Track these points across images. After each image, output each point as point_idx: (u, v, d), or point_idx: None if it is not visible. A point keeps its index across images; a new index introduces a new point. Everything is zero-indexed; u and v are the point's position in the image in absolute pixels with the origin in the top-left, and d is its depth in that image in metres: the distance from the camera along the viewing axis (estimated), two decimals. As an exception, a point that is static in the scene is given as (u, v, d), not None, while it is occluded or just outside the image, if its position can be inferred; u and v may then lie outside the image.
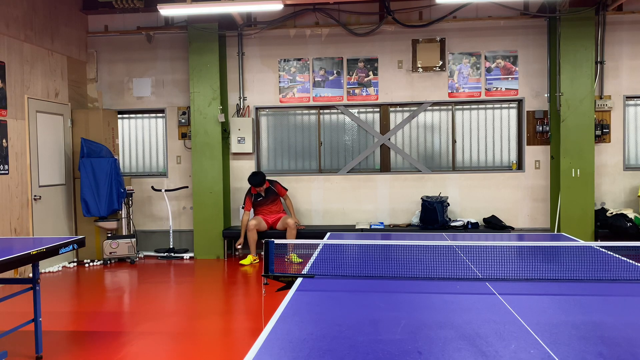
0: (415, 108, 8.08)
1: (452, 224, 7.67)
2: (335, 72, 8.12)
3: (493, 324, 1.89)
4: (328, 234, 4.19)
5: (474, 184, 7.98)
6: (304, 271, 2.76)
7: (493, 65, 7.89)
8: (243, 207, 7.65)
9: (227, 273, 7.15)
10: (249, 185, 8.33)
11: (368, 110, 8.20)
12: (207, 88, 7.89)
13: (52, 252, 3.74)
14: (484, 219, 7.86)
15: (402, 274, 2.66)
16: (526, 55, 7.83)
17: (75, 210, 7.91)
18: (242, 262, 7.51)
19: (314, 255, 3.24)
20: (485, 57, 7.90)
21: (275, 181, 7.76)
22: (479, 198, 7.96)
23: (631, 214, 7.28)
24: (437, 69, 7.93)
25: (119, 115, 8.50)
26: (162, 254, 8.08)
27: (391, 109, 8.15)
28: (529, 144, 7.88)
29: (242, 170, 8.31)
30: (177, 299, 5.92)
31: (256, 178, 7.48)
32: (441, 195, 7.85)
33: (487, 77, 7.90)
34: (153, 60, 8.40)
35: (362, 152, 8.17)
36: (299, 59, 8.16)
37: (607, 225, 7.36)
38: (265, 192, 7.57)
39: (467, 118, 8.05)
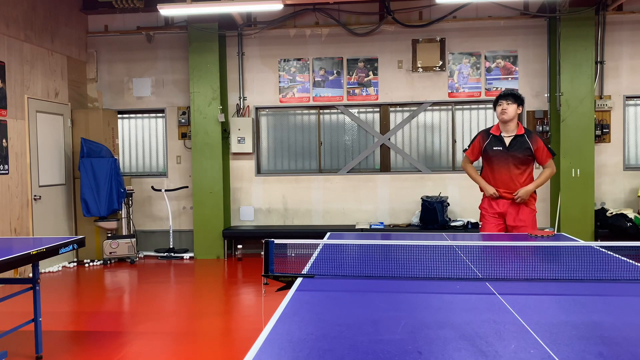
0: (415, 108, 8.08)
1: (452, 223, 7.67)
2: (335, 72, 8.11)
3: (493, 324, 1.89)
4: (328, 234, 4.19)
5: (474, 184, 7.88)
6: (304, 271, 2.76)
7: (493, 65, 7.89)
8: (465, 151, 4.73)
9: (227, 273, 7.15)
10: (249, 185, 8.34)
11: (368, 110, 8.20)
12: (207, 88, 7.89)
13: (52, 252, 3.73)
14: (484, 219, 7.85)
15: (402, 274, 2.66)
16: (526, 55, 7.83)
17: (75, 210, 7.90)
18: None
19: (314, 255, 3.23)
20: (485, 57, 7.90)
21: (537, 135, 4.52)
22: (479, 198, 7.92)
23: (631, 214, 7.28)
24: (437, 69, 7.92)
25: (119, 115, 8.50)
26: (162, 254, 8.08)
27: (391, 109, 8.14)
28: (529, 144, 7.86)
29: (242, 170, 8.30)
30: (177, 299, 5.92)
31: (506, 91, 4.49)
32: (441, 195, 7.84)
33: (487, 77, 7.90)
34: (153, 60, 8.40)
35: (362, 152, 8.17)
36: (299, 59, 8.16)
37: (607, 225, 7.35)
38: (512, 141, 4.37)
39: (467, 118, 8.04)
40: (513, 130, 4.38)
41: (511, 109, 4.33)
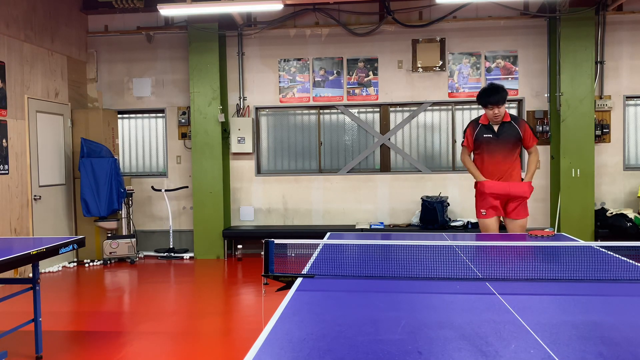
0: (415, 108, 8.08)
1: (452, 224, 7.67)
2: (335, 72, 8.11)
3: (493, 324, 1.89)
4: (328, 234, 4.19)
5: (474, 184, 7.96)
6: (304, 271, 2.76)
7: (493, 65, 7.89)
8: (462, 144, 4.95)
9: (227, 273, 7.15)
10: (249, 185, 8.35)
11: (368, 110, 8.20)
12: (207, 88, 7.89)
13: (52, 252, 3.73)
14: (484, 219, 7.85)
15: (402, 274, 2.66)
16: (526, 55, 7.83)
17: (75, 210, 7.90)
18: None
19: (314, 255, 3.24)
20: (485, 57, 7.90)
21: (524, 120, 4.96)
22: (479, 198, 7.95)
23: (631, 214, 7.28)
24: (437, 69, 7.92)
25: (119, 115, 8.50)
26: (162, 254, 8.08)
27: (391, 109, 8.14)
28: (529, 144, 7.87)
29: (242, 170, 8.30)
30: (177, 299, 5.92)
31: (494, 94, 4.55)
32: (441, 195, 7.84)
33: (487, 77, 7.90)
34: (153, 60, 8.40)
35: (362, 152, 8.17)
36: (299, 59, 8.16)
37: (607, 225, 7.35)
38: (500, 128, 4.66)
39: (467, 118, 8.04)
40: (501, 119, 4.66)
41: (502, 111, 4.61)
